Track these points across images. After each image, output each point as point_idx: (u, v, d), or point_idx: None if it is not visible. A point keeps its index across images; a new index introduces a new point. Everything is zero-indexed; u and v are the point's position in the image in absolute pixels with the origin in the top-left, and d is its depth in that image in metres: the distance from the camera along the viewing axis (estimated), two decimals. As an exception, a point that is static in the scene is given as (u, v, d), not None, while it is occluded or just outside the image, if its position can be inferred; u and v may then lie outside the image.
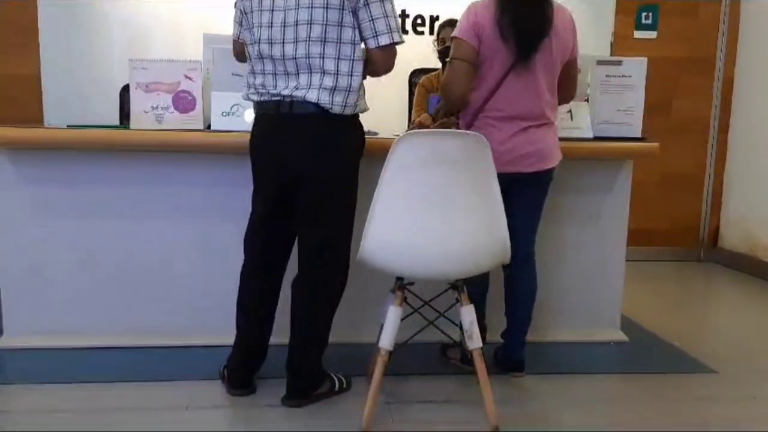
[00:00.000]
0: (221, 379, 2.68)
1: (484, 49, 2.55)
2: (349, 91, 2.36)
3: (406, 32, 4.74)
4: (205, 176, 3.00)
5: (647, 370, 2.97)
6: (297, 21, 2.30)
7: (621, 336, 3.32)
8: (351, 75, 2.35)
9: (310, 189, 2.41)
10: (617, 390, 2.80)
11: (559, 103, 2.76)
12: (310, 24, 2.29)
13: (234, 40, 2.58)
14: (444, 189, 2.29)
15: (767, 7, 4.94)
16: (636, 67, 3.11)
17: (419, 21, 4.77)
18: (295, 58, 2.32)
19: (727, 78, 5.25)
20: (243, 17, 2.47)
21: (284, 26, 2.32)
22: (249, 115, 2.89)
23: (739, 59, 5.22)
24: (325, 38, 2.30)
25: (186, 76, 2.91)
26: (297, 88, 2.34)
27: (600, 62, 3.12)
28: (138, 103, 2.90)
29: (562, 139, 3.00)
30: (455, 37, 2.59)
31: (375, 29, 2.33)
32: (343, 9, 2.29)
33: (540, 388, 2.74)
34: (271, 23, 2.34)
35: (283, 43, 2.33)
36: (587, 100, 3.16)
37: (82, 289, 3.02)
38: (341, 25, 2.31)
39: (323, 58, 2.31)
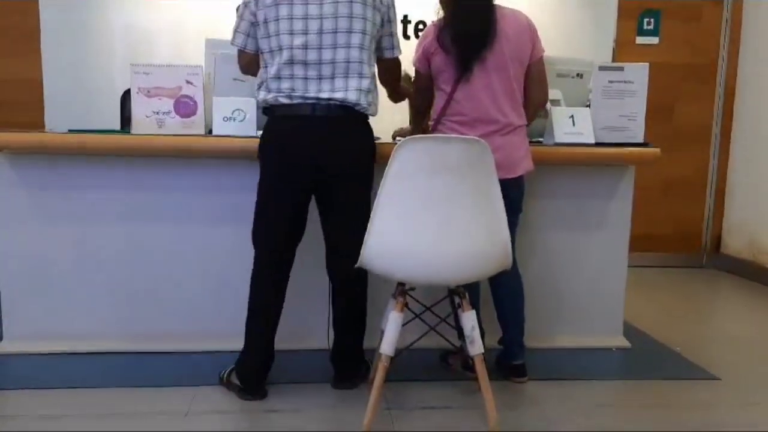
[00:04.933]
0: (221, 384, 2.69)
1: (436, 65, 2.71)
2: (374, 92, 2.59)
3: (407, 38, 4.76)
4: (207, 181, 3.00)
5: (650, 376, 2.96)
6: (336, 29, 2.45)
7: (623, 342, 3.31)
8: (373, 78, 2.57)
9: (348, 188, 2.52)
10: (619, 396, 2.79)
11: (531, 107, 2.80)
12: (350, 32, 2.47)
13: (240, 51, 2.62)
14: (445, 194, 2.29)
15: (769, 13, 4.94)
16: (638, 73, 3.10)
17: (421, 27, 4.77)
18: (334, 62, 2.47)
19: (729, 84, 5.25)
20: (255, 28, 2.53)
21: (321, 33, 2.45)
22: (250, 120, 2.89)
23: (740, 65, 5.22)
24: (362, 45, 2.49)
25: (187, 81, 2.91)
26: (334, 91, 2.47)
27: (602, 68, 3.12)
28: (139, 107, 2.90)
29: (563, 145, 3.02)
30: (414, 65, 2.81)
31: (392, 43, 2.67)
32: (375, 22, 2.53)
33: (542, 394, 2.73)
34: (307, 30, 2.45)
35: (321, 48, 2.45)
36: (589, 106, 3.16)
37: (82, 294, 3.02)
38: (371, 35, 2.53)
39: (361, 63, 2.50)
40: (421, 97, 2.87)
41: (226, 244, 3.01)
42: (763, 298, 4.49)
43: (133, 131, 2.91)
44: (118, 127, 3.58)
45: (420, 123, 2.93)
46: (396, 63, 2.76)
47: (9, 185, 2.94)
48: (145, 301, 3.05)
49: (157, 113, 2.90)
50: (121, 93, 3.66)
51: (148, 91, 2.89)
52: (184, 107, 2.92)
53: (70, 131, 3.11)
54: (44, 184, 2.95)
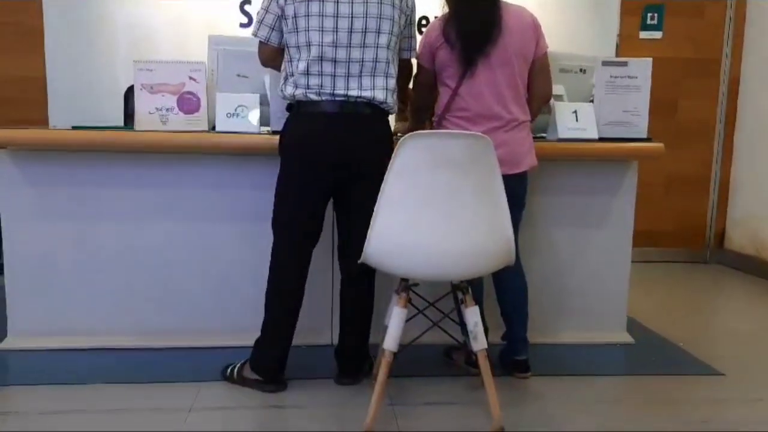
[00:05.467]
0: (228, 381, 2.70)
1: (440, 60, 2.71)
2: (396, 91, 2.63)
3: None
4: (210, 177, 3.00)
5: (653, 372, 2.96)
6: (365, 29, 2.49)
7: (627, 338, 3.31)
8: (396, 78, 2.62)
9: (368, 185, 2.48)
10: (623, 392, 2.79)
11: (535, 102, 2.80)
12: (378, 33, 2.51)
13: (262, 43, 2.62)
14: (448, 190, 2.28)
15: (773, 8, 4.92)
16: (641, 68, 3.10)
17: (424, 22, 4.76)
18: (362, 61, 2.51)
19: (733, 79, 5.23)
20: (283, 21, 2.54)
21: (351, 32, 2.49)
22: (253, 116, 2.89)
23: (744, 60, 5.20)
24: (389, 46, 2.55)
25: (191, 78, 2.91)
26: (362, 89, 2.51)
27: (605, 63, 3.11)
28: (142, 104, 2.90)
29: (567, 140, 3.01)
30: (417, 59, 2.80)
31: (410, 45, 2.74)
32: (400, 23, 2.58)
33: (545, 389, 2.73)
34: (337, 28, 2.48)
35: (350, 47, 2.49)
36: (592, 101, 3.15)
37: (86, 291, 3.02)
38: (397, 36, 2.59)
39: (388, 62, 2.56)
40: (421, 93, 2.86)
41: (229, 239, 3.01)
42: (767, 294, 4.47)
43: (136, 128, 2.91)
44: (121, 123, 3.58)
45: (420, 120, 2.91)
46: (410, 65, 2.81)
47: (13, 182, 2.94)
48: (148, 298, 3.05)
49: (160, 110, 2.90)
50: (124, 90, 3.66)
51: (152, 88, 2.89)
52: (187, 103, 2.92)
53: (74, 128, 3.11)
54: (48, 181, 2.96)
